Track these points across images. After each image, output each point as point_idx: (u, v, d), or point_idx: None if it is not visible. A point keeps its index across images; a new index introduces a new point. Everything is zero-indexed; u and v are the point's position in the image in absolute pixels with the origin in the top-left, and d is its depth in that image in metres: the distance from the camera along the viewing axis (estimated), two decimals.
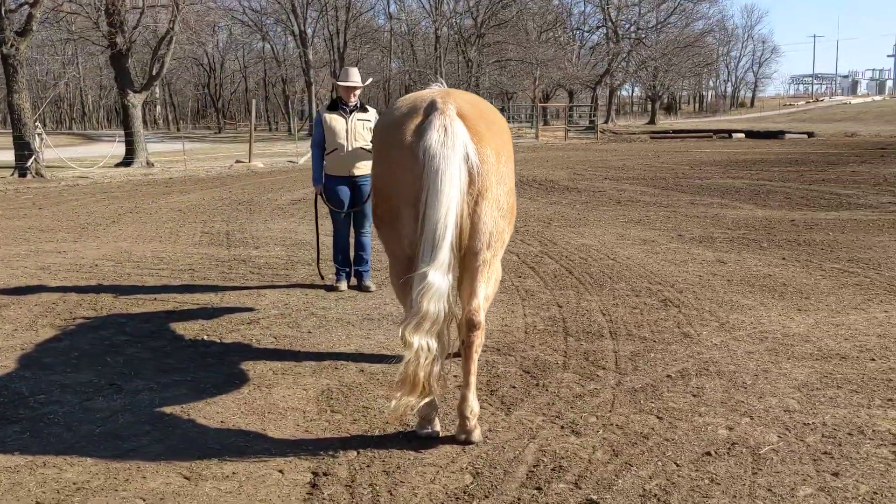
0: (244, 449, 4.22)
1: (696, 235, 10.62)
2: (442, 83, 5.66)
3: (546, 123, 54.74)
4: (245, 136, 57.16)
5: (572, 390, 4.97)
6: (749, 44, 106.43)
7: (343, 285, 7.74)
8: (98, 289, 7.93)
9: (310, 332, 6.34)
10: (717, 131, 44.23)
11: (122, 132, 28.91)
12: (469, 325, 4.11)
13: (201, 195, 17.59)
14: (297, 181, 20.92)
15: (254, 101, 30.48)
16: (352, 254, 7.84)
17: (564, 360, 5.53)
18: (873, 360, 5.48)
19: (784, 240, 10.22)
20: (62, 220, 13.38)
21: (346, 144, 7.47)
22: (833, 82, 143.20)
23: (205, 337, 6.25)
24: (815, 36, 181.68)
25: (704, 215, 12.62)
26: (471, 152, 3.97)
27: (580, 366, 5.42)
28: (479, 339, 4.15)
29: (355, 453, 4.13)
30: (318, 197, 7.71)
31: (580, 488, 3.71)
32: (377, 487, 3.76)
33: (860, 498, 3.59)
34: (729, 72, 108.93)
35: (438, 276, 3.86)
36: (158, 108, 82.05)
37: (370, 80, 8.22)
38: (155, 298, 7.50)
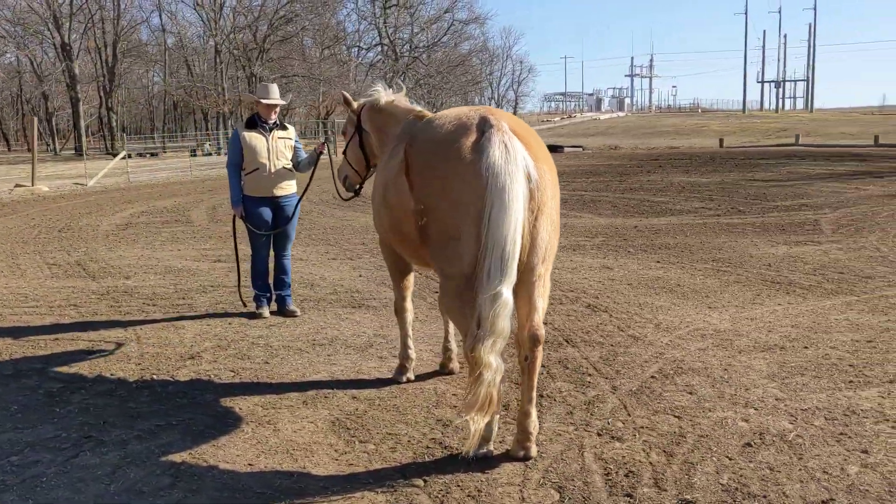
0: (301, 490, 3.94)
1: (565, 244, 11.16)
2: (384, 89, 5.64)
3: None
4: (1, 158, 51.94)
5: (578, 398, 5.09)
6: (509, 63, 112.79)
7: (266, 311, 7.36)
8: None
9: (266, 363, 5.99)
10: None
11: None
12: (533, 340, 4.12)
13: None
14: (104, 205, 19.42)
15: (35, 120, 27.83)
16: (271, 278, 7.48)
17: (547, 370, 5.64)
18: (807, 347, 6.09)
19: (643, 245, 11.02)
20: None
21: (267, 164, 7.13)
22: (581, 99, 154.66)
23: (153, 376, 5.71)
24: (565, 57, 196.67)
25: (649, 224, 13.25)
26: (530, 168, 3.99)
27: (566, 374, 5.56)
28: (541, 353, 4.17)
29: (422, 482, 4.00)
30: (239, 219, 7.28)
31: (666, 490, 3.84)
32: None
33: None
34: (492, 90, 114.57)
35: (510, 293, 3.86)
36: None
37: (290, 96, 7.90)
38: (56, 339, 6.71)
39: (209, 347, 6.39)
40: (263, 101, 7.19)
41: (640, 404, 4.97)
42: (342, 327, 6.92)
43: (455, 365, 5.68)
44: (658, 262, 9.70)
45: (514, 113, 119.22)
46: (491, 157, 3.89)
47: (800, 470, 4.02)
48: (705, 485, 3.89)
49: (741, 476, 3.97)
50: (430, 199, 4.11)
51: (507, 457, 4.23)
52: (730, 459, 4.17)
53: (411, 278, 5.51)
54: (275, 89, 7.31)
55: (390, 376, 5.59)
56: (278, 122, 7.31)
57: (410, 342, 5.55)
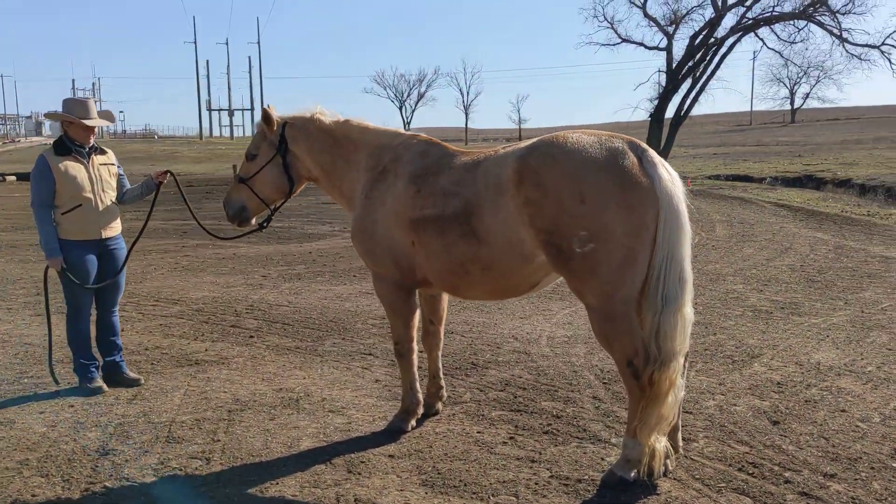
0: None
1: (286, 273, 10.68)
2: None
3: None
4: None
5: (574, 409, 5.37)
6: None
7: (102, 383, 5.85)
8: None
9: (216, 440, 4.94)
10: None
11: None
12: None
13: None
14: None
15: None
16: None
17: (513, 395, 5.65)
18: None
19: (343, 270, 11.07)
20: None
21: (93, 198, 5.71)
22: (18, 122, 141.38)
23: (104, 485, 4.28)
24: (1, 76, 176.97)
25: (290, 252, 12.43)
26: (683, 190, 4.15)
27: (535, 393, 5.68)
28: None
29: None
30: (59, 273, 5.67)
31: (774, 467, 4.36)
32: None
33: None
34: None
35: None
36: None
37: (114, 114, 6.24)
38: None
39: (103, 437, 4.94)
40: (84, 121, 5.71)
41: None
42: (228, 390, 5.89)
43: (441, 405, 5.37)
44: None
45: None
46: (663, 181, 3.97)
47: (835, 432, 4.86)
48: (796, 452, 4.54)
49: (810, 444, 4.69)
50: (602, 225, 3.94)
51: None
52: (765, 435, 4.82)
53: (417, 316, 5.07)
54: (93, 106, 5.84)
55: (384, 426, 5.08)
56: (96, 146, 5.87)
57: (418, 385, 5.10)
